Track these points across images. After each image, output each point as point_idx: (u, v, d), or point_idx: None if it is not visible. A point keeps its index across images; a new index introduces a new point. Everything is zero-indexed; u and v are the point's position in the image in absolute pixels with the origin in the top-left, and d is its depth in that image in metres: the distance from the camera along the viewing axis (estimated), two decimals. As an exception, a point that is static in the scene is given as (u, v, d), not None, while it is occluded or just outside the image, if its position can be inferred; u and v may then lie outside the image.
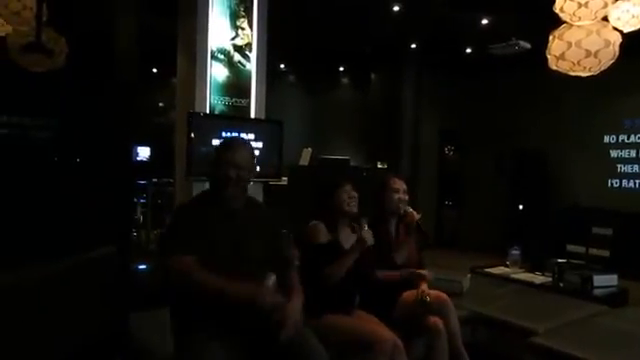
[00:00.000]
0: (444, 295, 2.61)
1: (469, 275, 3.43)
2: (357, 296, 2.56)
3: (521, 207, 7.42)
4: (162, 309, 2.17)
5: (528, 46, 5.66)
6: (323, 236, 2.39)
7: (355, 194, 2.47)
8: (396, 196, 2.72)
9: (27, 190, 3.78)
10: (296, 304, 1.95)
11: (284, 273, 2.06)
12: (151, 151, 8.80)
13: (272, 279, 1.85)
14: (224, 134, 4.26)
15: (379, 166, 7.02)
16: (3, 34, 3.59)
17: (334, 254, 2.35)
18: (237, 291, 1.80)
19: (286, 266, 2.12)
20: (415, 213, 2.74)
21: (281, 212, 2.33)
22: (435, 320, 2.45)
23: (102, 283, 2.01)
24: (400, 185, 2.76)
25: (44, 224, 3.55)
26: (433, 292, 2.61)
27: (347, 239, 2.46)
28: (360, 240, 2.36)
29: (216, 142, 4.23)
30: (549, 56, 3.02)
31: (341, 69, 9.37)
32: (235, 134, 4.31)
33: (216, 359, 1.78)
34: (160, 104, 9.53)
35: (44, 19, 3.44)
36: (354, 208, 2.45)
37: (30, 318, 1.57)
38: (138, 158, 8.61)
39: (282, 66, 9.16)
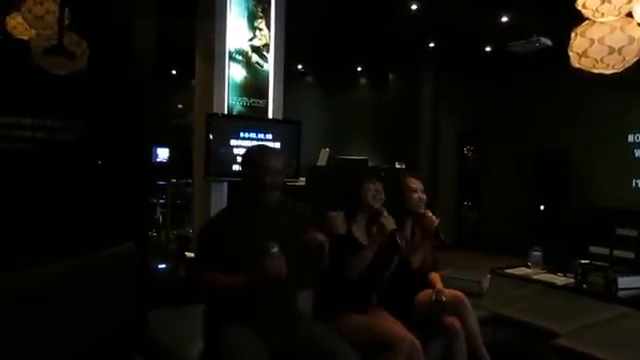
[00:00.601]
0: (460, 294, 2.57)
1: (489, 275, 3.39)
2: (374, 294, 2.54)
3: (542, 208, 7.31)
4: (182, 307, 2.19)
5: (549, 43, 5.56)
6: (341, 227, 2.37)
7: (381, 190, 2.45)
8: (415, 195, 2.69)
9: (50, 190, 3.85)
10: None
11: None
12: (170, 152, 8.90)
13: (275, 248, 1.88)
14: (242, 134, 4.28)
15: (397, 166, 6.97)
16: (26, 38, 3.67)
17: (349, 246, 2.33)
18: (247, 280, 1.88)
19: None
20: (434, 217, 2.69)
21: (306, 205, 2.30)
22: (452, 320, 2.42)
23: (122, 279, 2.04)
24: (418, 184, 2.72)
25: (66, 223, 3.62)
26: (449, 291, 2.58)
27: (363, 235, 2.45)
28: (381, 227, 2.32)
29: (235, 142, 4.26)
30: (571, 53, 2.95)
31: (359, 69, 9.35)
32: (253, 135, 4.33)
33: (247, 351, 1.83)
34: (179, 106, 9.64)
35: (66, 23, 3.51)
36: (378, 203, 2.43)
37: (54, 312, 1.60)
38: (158, 159, 8.72)
39: (300, 67, 9.18)
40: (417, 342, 2.19)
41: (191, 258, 4.08)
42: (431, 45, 7.45)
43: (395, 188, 2.73)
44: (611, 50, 2.76)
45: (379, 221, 2.33)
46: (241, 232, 2.01)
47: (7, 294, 1.46)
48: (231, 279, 1.90)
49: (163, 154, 8.89)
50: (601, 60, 2.85)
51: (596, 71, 2.96)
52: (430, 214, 2.68)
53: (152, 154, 8.30)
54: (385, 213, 2.35)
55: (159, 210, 6.33)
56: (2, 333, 1.40)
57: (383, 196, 2.45)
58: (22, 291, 1.52)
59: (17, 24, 3.66)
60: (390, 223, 2.32)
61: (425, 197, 2.72)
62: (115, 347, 1.94)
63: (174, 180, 6.21)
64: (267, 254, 1.84)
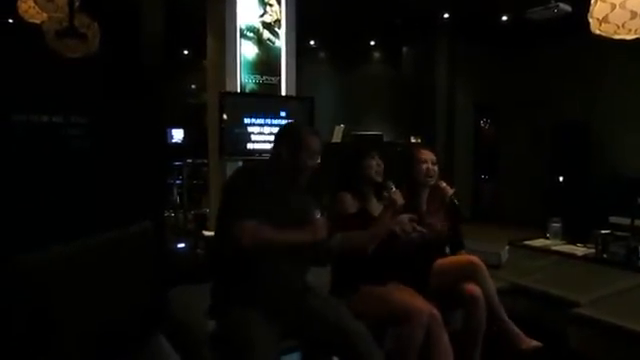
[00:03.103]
0: (476, 259, 2.55)
1: (507, 247, 3.37)
2: (391, 266, 2.54)
3: (561, 179, 7.21)
4: (201, 286, 2.21)
5: (569, 9, 5.39)
6: (351, 206, 2.37)
7: (382, 163, 2.44)
8: (424, 166, 2.66)
9: (67, 172, 3.91)
10: None
11: None
12: (185, 133, 8.93)
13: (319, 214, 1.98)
14: (256, 114, 4.27)
15: (413, 141, 6.91)
16: (38, 21, 3.67)
17: (365, 222, 2.33)
18: (297, 236, 1.91)
19: None
20: (448, 188, 2.67)
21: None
22: (472, 288, 2.41)
23: (140, 258, 2.07)
24: (427, 155, 2.69)
25: (83, 204, 3.68)
26: (464, 256, 2.58)
27: (375, 208, 2.44)
28: (391, 201, 2.32)
29: (248, 121, 4.25)
30: (591, 20, 2.86)
31: (372, 43, 9.21)
32: (266, 115, 4.31)
33: (256, 330, 1.81)
34: (192, 86, 9.64)
35: (76, 5, 3.50)
36: (380, 177, 2.43)
37: (77, 290, 1.63)
38: (173, 140, 8.76)
39: (312, 42, 9.08)
40: (437, 312, 2.19)
41: (209, 236, 4.13)
42: (446, 16, 7.30)
43: (405, 161, 2.72)
44: (633, 15, 2.66)
45: (389, 196, 2.33)
46: (276, 199, 1.96)
47: (29, 273, 1.49)
48: (285, 234, 1.88)
49: (178, 135, 8.93)
50: (622, 25, 2.76)
51: (617, 37, 2.86)
52: (444, 185, 2.66)
53: (167, 135, 8.35)
54: (393, 187, 2.35)
55: (176, 191, 6.39)
56: (26, 311, 1.44)
57: (382, 170, 2.44)
58: (43, 270, 1.56)
59: (28, 8, 3.66)
60: (399, 198, 2.32)
61: (436, 169, 2.68)
62: (136, 325, 1.97)
63: (190, 160, 6.24)
64: (317, 223, 1.91)
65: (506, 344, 2.42)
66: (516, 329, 2.44)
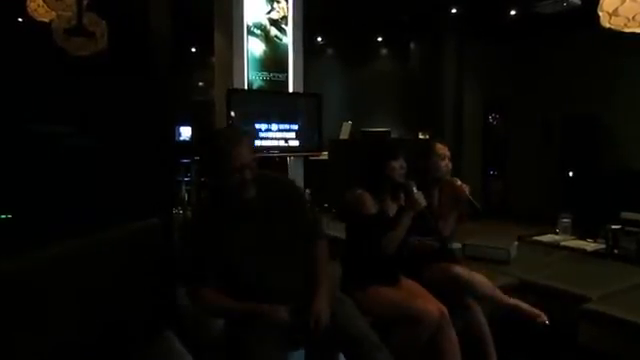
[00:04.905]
0: (460, 272, 2.48)
1: (516, 243, 3.35)
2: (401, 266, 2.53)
3: (571, 174, 7.15)
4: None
5: (578, 2, 5.35)
6: (372, 206, 2.34)
7: (405, 164, 2.41)
8: (442, 162, 2.65)
9: (76, 169, 3.94)
10: (321, 300, 1.85)
11: (312, 243, 1.99)
12: (193, 130, 8.95)
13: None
14: (263, 110, 4.27)
15: (420, 137, 6.90)
16: (47, 20, 3.70)
17: (384, 224, 2.32)
18: (254, 310, 1.79)
19: (315, 235, 2.03)
20: (464, 186, 2.61)
21: (291, 180, 2.21)
22: (461, 298, 2.43)
23: (148, 254, 2.07)
24: (445, 151, 2.68)
25: (92, 201, 3.71)
26: (467, 272, 2.54)
27: (390, 208, 2.43)
28: (413, 202, 2.30)
29: (255, 118, 4.25)
30: (601, 13, 2.84)
31: (379, 40, 9.18)
32: (273, 109, 4.31)
33: (262, 329, 1.80)
34: (200, 83, 9.66)
35: (84, 3, 3.52)
36: (403, 178, 2.40)
37: (85, 285, 1.64)
38: (181, 138, 8.78)
39: (319, 39, 9.06)
40: (446, 311, 2.19)
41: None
42: (453, 11, 7.25)
43: (421, 155, 2.69)
44: (644, 7, 2.64)
45: (411, 197, 2.32)
46: (231, 238, 1.81)
47: (39, 268, 1.50)
48: (241, 306, 1.78)
49: (186, 133, 8.95)
50: (633, 18, 2.73)
51: (627, 30, 2.84)
52: (459, 183, 2.62)
53: (175, 133, 8.36)
54: (415, 189, 2.33)
55: (184, 188, 6.42)
56: (34, 306, 1.45)
57: (405, 169, 2.42)
58: (53, 263, 1.57)
59: (37, 7, 3.69)
60: (422, 199, 2.31)
61: (450, 164, 2.68)
62: (144, 322, 1.98)
63: (197, 158, 6.26)
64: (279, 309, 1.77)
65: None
66: (525, 305, 2.45)
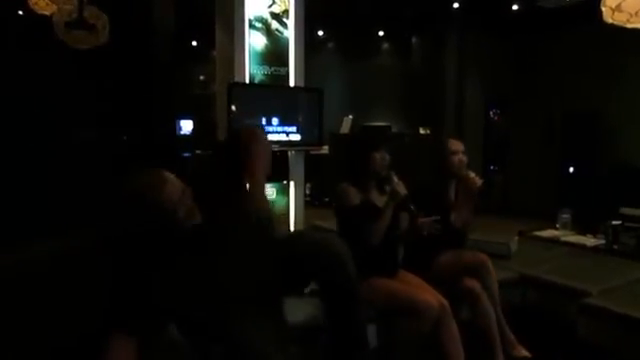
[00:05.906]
0: (483, 256, 2.55)
1: (516, 238, 3.36)
2: (399, 257, 2.54)
3: (572, 170, 7.16)
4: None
5: (580, -4, 5.33)
6: (355, 197, 2.38)
7: (387, 156, 2.45)
8: (456, 158, 2.67)
9: (74, 164, 3.95)
10: None
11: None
12: (194, 124, 8.94)
13: None
14: (264, 104, 4.25)
15: (421, 132, 6.90)
16: (48, 13, 3.70)
17: (369, 214, 2.34)
18: None
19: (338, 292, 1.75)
20: (477, 179, 2.65)
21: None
22: (471, 283, 2.42)
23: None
24: (458, 146, 2.71)
25: (91, 196, 3.72)
26: (470, 252, 2.58)
27: (378, 199, 2.45)
28: (393, 193, 2.33)
29: (257, 112, 4.23)
30: (604, 9, 2.84)
31: (381, 34, 9.15)
32: (275, 103, 4.30)
33: None
34: (201, 77, 9.64)
35: (86, -4, 3.52)
36: (385, 170, 2.44)
37: (89, 278, 1.65)
38: (182, 132, 8.78)
39: (321, 33, 9.04)
40: (447, 303, 2.20)
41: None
42: (455, 6, 7.22)
43: (436, 152, 2.72)
44: (646, 2, 2.64)
45: (392, 187, 2.34)
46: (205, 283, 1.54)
47: (39, 264, 1.51)
48: None
49: (187, 126, 8.94)
50: (636, 14, 2.73)
51: (630, 26, 2.84)
52: (473, 175, 2.65)
53: (176, 127, 8.37)
54: (395, 179, 2.35)
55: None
56: (19, 307, 1.45)
57: (388, 160, 2.44)
58: (54, 261, 1.57)
59: (38, 0, 3.69)
60: (402, 189, 2.32)
61: (466, 159, 2.70)
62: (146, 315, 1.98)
63: (199, 152, 6.26)
64: None
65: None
66: (511, 336, 2.48)
